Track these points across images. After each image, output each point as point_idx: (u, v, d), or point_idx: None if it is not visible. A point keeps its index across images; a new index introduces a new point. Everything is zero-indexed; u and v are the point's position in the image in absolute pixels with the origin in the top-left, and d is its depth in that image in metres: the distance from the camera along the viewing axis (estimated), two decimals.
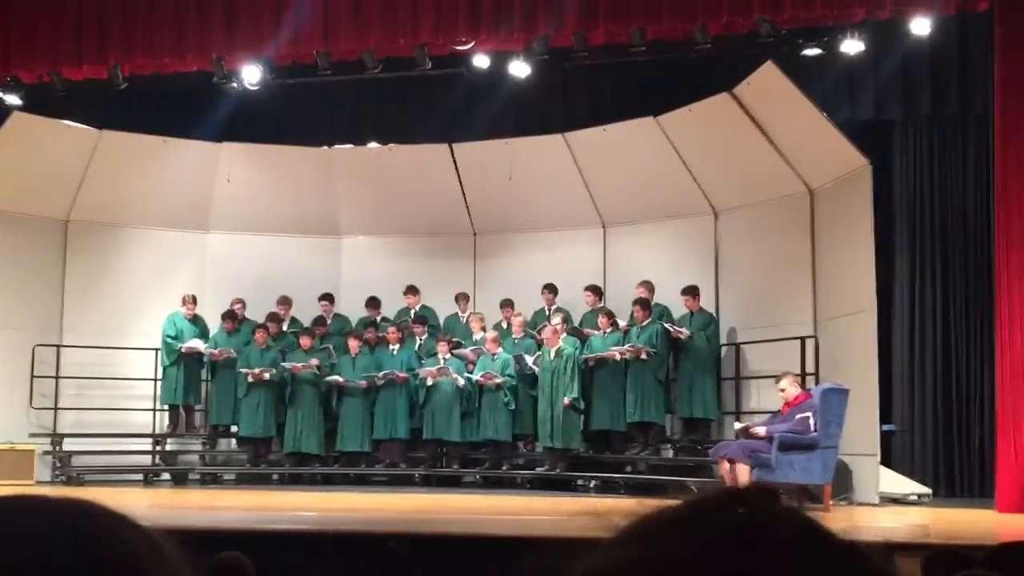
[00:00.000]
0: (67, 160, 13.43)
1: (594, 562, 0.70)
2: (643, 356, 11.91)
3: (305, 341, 13.36)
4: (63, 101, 12.61)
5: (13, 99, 12.49)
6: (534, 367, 12.52)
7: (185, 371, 13.53)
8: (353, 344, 13.31)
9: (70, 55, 11.60)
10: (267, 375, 13.09)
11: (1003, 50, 9.84)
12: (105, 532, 0.74)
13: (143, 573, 0.73)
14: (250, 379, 13.14)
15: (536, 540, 6.78)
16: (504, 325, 13.30)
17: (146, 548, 0.75)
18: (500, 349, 12.80)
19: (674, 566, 0.67)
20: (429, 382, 12.83)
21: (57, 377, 13.45)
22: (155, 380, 13.70)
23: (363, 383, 13.05)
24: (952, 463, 11.99)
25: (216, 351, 13.40)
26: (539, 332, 12.63)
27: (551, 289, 13.24)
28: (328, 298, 14.06)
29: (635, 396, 12.02)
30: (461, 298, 13.81)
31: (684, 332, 11.97)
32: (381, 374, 13.01)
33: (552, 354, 12.24)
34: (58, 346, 13.51)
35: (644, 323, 12.14)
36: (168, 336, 13.53)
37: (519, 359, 12.61)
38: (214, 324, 13.79)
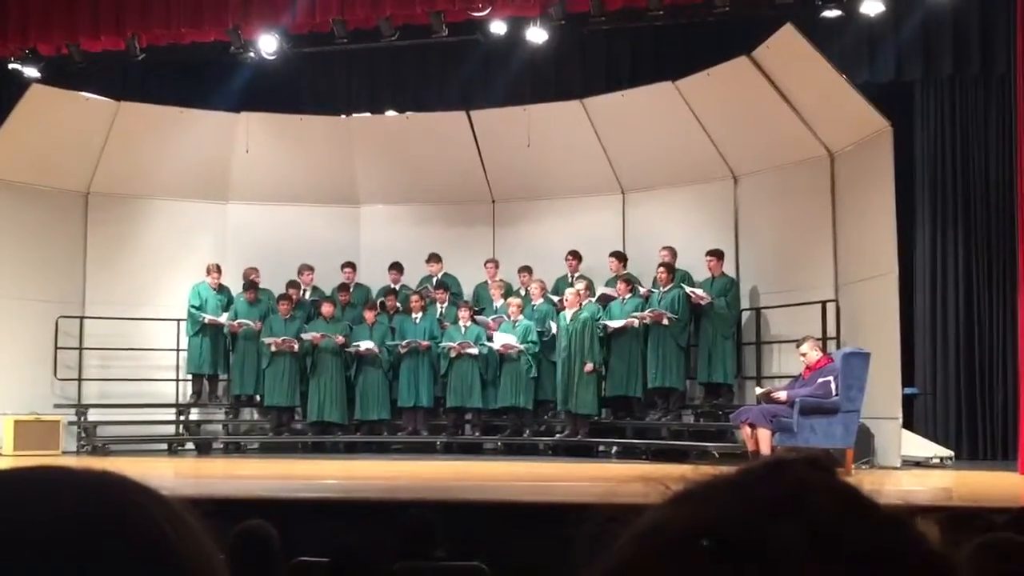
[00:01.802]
0: (86, 132, 13.47)
1: (639, 525, 0.72)
2: (664, 322, 11.90)
3: (327, 308, 13.41)
4: (81, 73, 12.63)
5: (32, 71, 12.51)
6: (555, 333, 12.54)
7: (211, 341, 13.61)
8: (369, 315, 13.36)
9: (87, 26, 11.61)
10: (295, 347, 13.15)
11: None
12: (127, 503, 0.75)
13: (167, 544, 0.73)
14: (273, 348, 13.21)
15: (558, 506, 6.81)
16: (523, 292, 13.31)
17: (169, 519, 0.75)
18: (522, 316, 12.82)
19: (716, 529, 0.69)
20: (452, 354, 12.88)
21: (81, 348, 13.54)
22: (177, 350, 13.78)
23: (376, 348, 13.04)
24: (975, 426, 11.96)
25: (235, 323, 13.46)
26: (562, 297, 12.65)
27: (575, 256, 13.23)
28: (350, 265, 14.10)
29: (656, 361, 12.02)
30: (491, 264, 13.79)
31: (705, 297, 11.94)
32: (404, 342, 13.06)
33: (570, 317, 12.26)
34: (81, 317, 13.60)
35: (667, 288, 12.12)
36: (192, 306, 13.61)
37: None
38: (235, 294, 13.86)
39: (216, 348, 13.67)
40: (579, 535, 0.75)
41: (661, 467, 10.51)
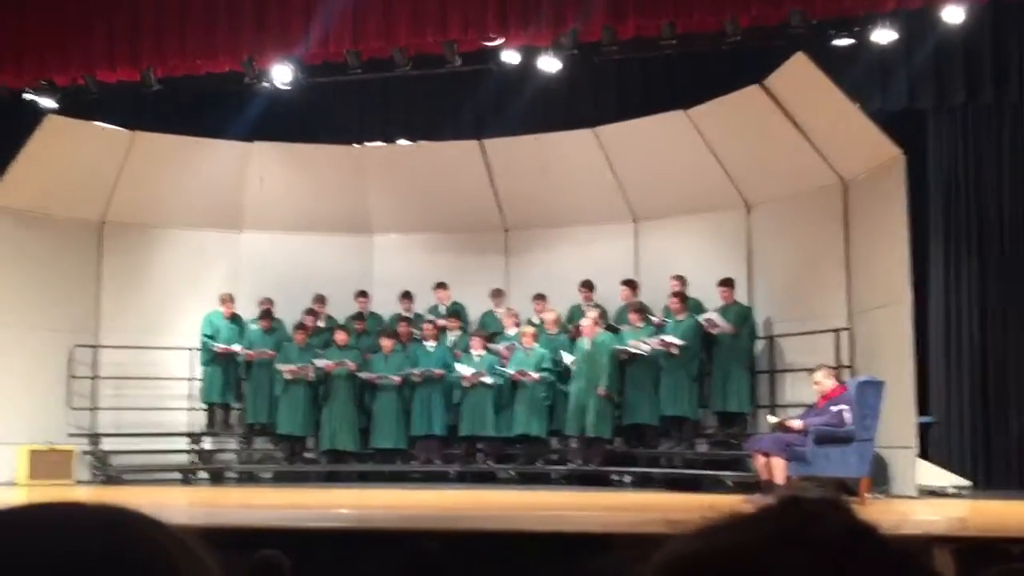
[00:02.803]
0: (101, 162, 13.55)
1: (658, 555, 0.74)
2: (673, 351, 11.88)
3: (341, 336, 13.44)
4: (96, 103, 12.71)
5: (47, 102, 12.60)
6: (571, 365, 12.53)
7: (223, 370, 13.63)
8: (387, 344, 13.37)
9: (103, 58, 11.70)
10: (311, 375, 13.17)
11: None
12: (139, 538, 0.75)
13: None
14: (288, 376, 13.23)
15: (573, 536, 6.78)
16: (536, 320, 13.32)
17: (182, 555, 0.75)
18: (536, 344, 12.82)
19: (728, 557, 0.71)
20: (465, 384, 12.88)
21: (95, 378, 13.57)
22: (191, 379, 13.81)
23: (398, 379, 13.10)
24: (990, 455, 11.88)
25: (252, 351, 13.48)
26: (576, 326, 12.65)
27: (588, 286, 13.25)
28: (364, 294, 14.15)
29: (668, 390, 12.00)
30: (496, 294, 13.86)
31: (728, 327, 11.90)
32: (418, 371, 13.06)
33: (588, 344, 12.26)
34: (95, 347, 13.63)
35: (681, 317, 12.11)
36: (205, 335, 13.65)
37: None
38: (247, 322, 13.89)
39: (229, 377, 13.70)
40: (601, 567, 0.77)
41: (683, 498, 10.45)
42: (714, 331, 11.95)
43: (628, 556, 0.75)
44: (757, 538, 0.72)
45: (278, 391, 13.37)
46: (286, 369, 13.23)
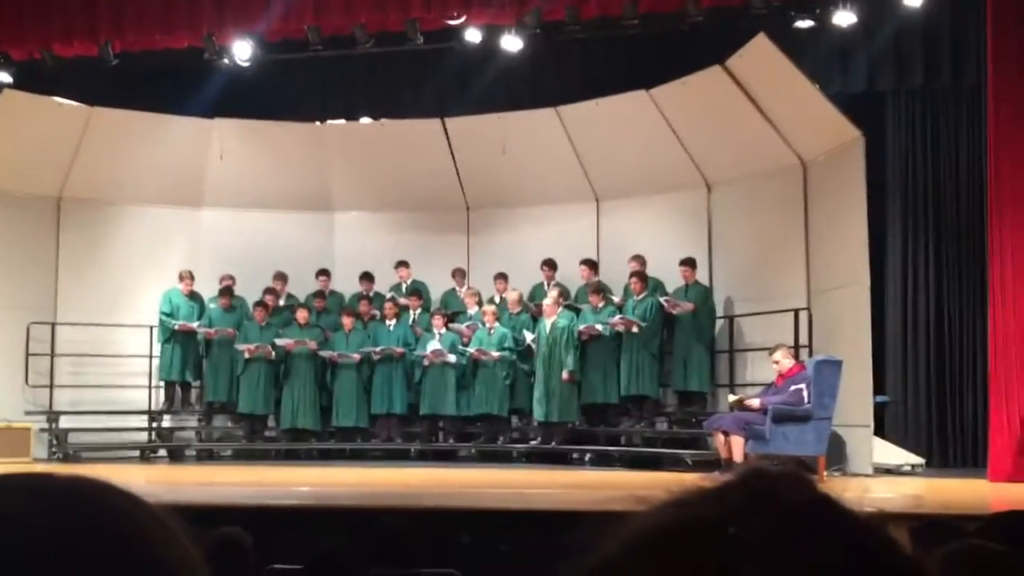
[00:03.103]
0: (59, 137, 13.38)
1: (623, 528, 0.75)
2: (634, 330, 11.94)
3: (302, 315, 13.40)
4: (54, 78, 12.55)
5: (4, 76, 12.43)
6: (532, 344, 12.57)
7: (182, 348, 13.54)
8: (347, 321, 13.35)
9: (60, 32, 11.55)
10: (272, 354, 13.12)
11: (996, 21, 9.83)
12: (111, 509, 0.75)
13: (149, 550, 0.74)
14: (247, 355, 13.17)
15: (534, 513, 6.82)
16: (497, 299, 13.33)
17: (153, 524, 0.75)
18: (497, 323, 12.83)
19: (694, 526, 0.72)
20: (426, 363, 12.89)
21: (52, 355, 13.45)
22: (151, 357, 13.72)
23: (357, 357, 13.09)
24: (945, 433, 12.05)
25: (211, 330, 13.41)
26: (538, 304, 12.68)
27: (550, 264, 13.26)
28: (325, 273, 14.10)
29: (629, 369, 12.06)
30: (457, 273, 13.87)
31: (689, 306, 11.98)
32: (378, 349, 13.04)
33: (548, 327, 12.29)
34: (53, 324, 13.50)
35: (640, 296, 12.16)
36: (163, 313, 13.55)
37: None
38: (207, 300, 13.80)
39: (188, 355, 13.61)
40: (567, 543, 0.78)
41: (643, 476, 10.53)
42: (675, 311, 12.02)
43: (595, 533, 0.75)
44: (723, 508, 0.73)
45: (238, 370, 13.31)
46: (245, 348, 13.17)
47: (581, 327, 12.23)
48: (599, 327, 12.13)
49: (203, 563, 0.79)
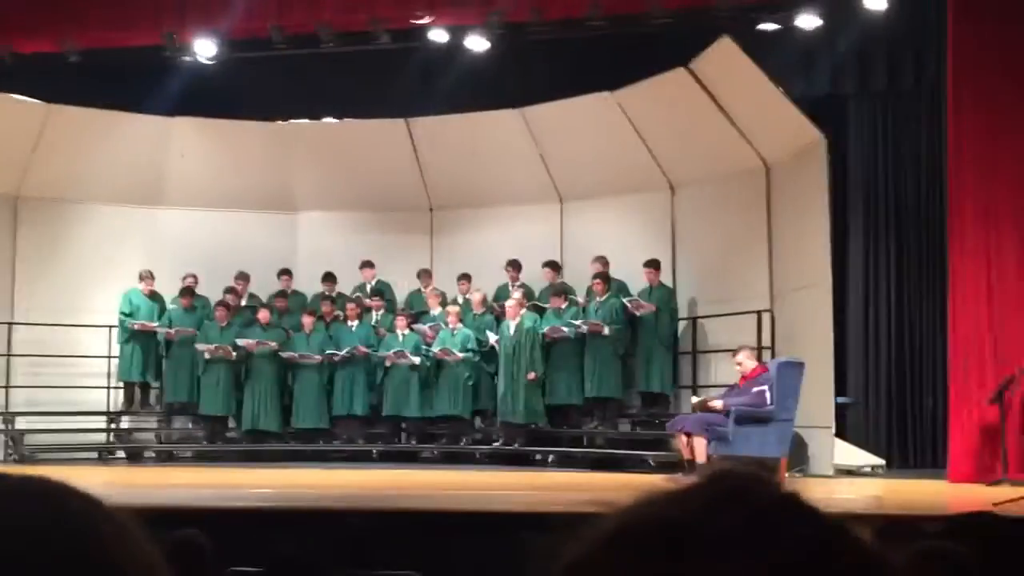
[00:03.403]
0: (16, 135, 13.23)
1: (590, 528, 0.75)
2: (605, 332, 11.96)
3: (263, 315, 13.31)
4: (13, 74, 12.40)
5: None
6: (495, 344, 12.56)
7: (142, 348, 13.42)
8: (307, 321, 13.28)
9: (20, 28, 11.41)
10: (233, 355, 13.03)
11: (956, 24, 9.92)
12: (67, 509, 0.74)
13: (105, 549, 0.72)
14: (207, 356, 13.06)
15: (497, 515, 6.80)
16: (460, 300, 13.30)
17: (108, 525, 0.74)
18: (461, 324, 12.81)
19: (662, 525, 0.73)
20: (388, 363, 12.85)
21: (9, 355, 13.29)
22: (109, 357, 13.58)
23: (318, 358, 13.02)
24: (905, 434, 12.15)
25: (171, 331, 13.29)
26: (502, 305, 12.67)
27: (515, 265, 13.25)
28: (287, 273, 14.02)
29: (593, 371, 12.07)
30: (423, 274, 13.81)
31: (651, 307, 12.01)
32: (345, 351, 12.96)
33: (512, 328, 12.28)
34: (9, 323, 13.34)
35: (603, 298, 12.18)
36: (123, 313, 13.42)
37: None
38: (168, 300, 13.68)
39: (148, 355, 13.49)
40: (533, 546, 0.77)
41: (607, 478, 10.54)
42: (639, 312, 12.05)
43: (562, 535, 0.75)
44: (690, 507, 0.73)
45: (199, 371, 13.21)
46: (205, 349, 13.06)
47: (546, 329, 12.23)
48: (565, 329, 12.13)
49: (162, 563, 0.78)
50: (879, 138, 12.51)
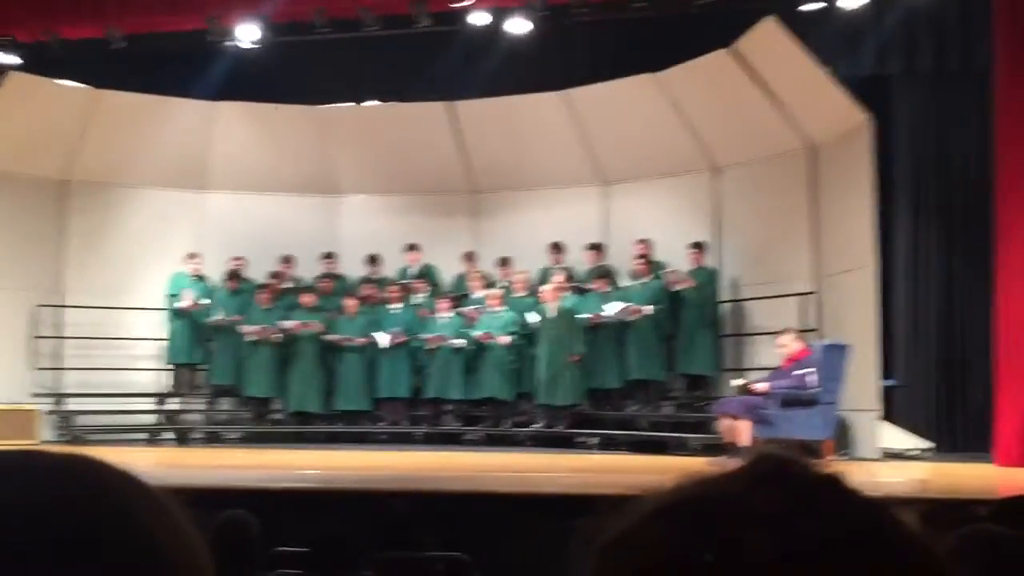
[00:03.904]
0: (65, 120, 13.38)
1: (639, 505, 0.77)
2: (647, 310, 11.95)
3: (307, 299, 13.40)
4: (60, 61, 12.53)
5: (11, 59, 12.42)
6: (536, 326, 12.57)
7: (190, 330, 13.54)
8: (351, 304, 13.35)
9: (66, 14, 11.53)
10: (274, 336, 13.13)
11: (1004, 4, 9.77)
12: (104, 487, 0.74)
13: (145, 528, 0.73)
14: (251, 338, 13.17)
15: (540, 497, 6.83)
16: (500, 284, 13.31)
17: (148, 504, 0.75)
18: (503, 307, 12.82)
19: (703, 501, 0.75)
20: (430, 346, 12.89)
21: (59, 337, 13.47)
22: (157, 340, 13.73)
23: (362, 341, 13.08)
24: (953, 418, 12.02)
25: (219, 318, 13.36)
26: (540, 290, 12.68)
27: (557, 248, 13.25)
28: (330, 256, 14.09)
29: (637, 353, 12.05)
30: (467, 257, 13.81)
31: (690, 282, 11.98)
32: (388, 338, 12.97)
33: (550, 311, 12.28)
34: (60, 306, 13.52)
35: (648, 279, 12.15)
36: (170, 295, 13.55)
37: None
38: (215, 282, 13.82)
39: (196, 337, 13.62)
40: (582, 525, 0.79)
41: (649, 460, 10.53)
42: (677, 287, 12.01)
43: (608, 515, 0.77)
44: (734, 486, 0.75)
45: (245, 353, 13.33)
46: (249, 331, 13.17)
47: (589, 315, 12.21)
48: (611, 311, 12.09)
49: (203, 544, 0.78)
50: (925, 118, 12.35)
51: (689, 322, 12.11)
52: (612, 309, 12.14)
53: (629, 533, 0.75)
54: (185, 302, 13.43)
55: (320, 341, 13.24)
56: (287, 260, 13.95)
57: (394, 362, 13.14)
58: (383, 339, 13.00)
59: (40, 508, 0.71)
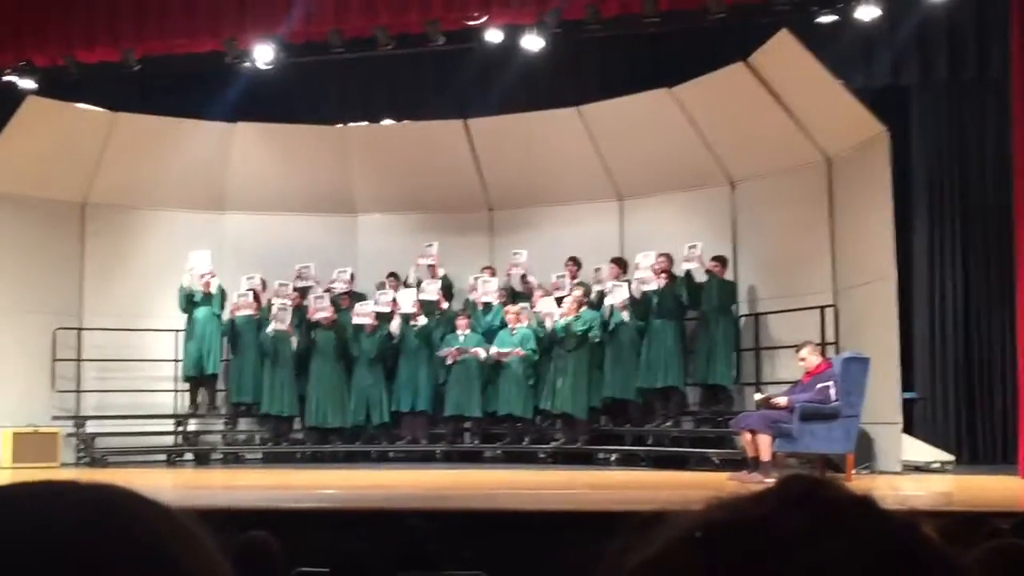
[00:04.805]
0: (83, 143, 13.45)
1: (666, 529, 0.77)
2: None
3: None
4: (77, 84, 12.62)
5: (27, 83, 12.50)
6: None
7: (201, 342, 13.50)
8: (370, 321, 13.39)
9: (83, 37, 11.62)
10: (291, 329, 13.24)
11: (1020, 12, 9.74)
12: (132, 516, 0.74)
13: (172, 556, 0.73)
14: (271, 332, 13.21)
15: (561, 514, 6.80)
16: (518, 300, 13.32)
17: (174, 532, 0.75)
18: (520, 324, 12.83)
19: (734, 527, 0.74)
20: (449, 361, 12.90)
21: (79, 360, 13.52)
22: (175, 361, 13.76)
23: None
24: (974, 430, 11.95)
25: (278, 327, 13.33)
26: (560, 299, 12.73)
27: (575, 262, 13.26)
28: (350, 275, 14.13)
29: (657, 361, 12.04)
30: (486, 270, 13.80)
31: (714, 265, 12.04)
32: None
33: (564, 324, 12.32)
34: (79, 329, 13.57)
35: (662, 286, 12.21)
36: (184, 303, 13.51)
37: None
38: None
39: (208, 348, 13.55)
40: (607, 545, 0.78)
41: (670, 476, 10.48)
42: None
43: (633, 534, 0.76)
44: (764, 508, 0.74)
45: (263, 369, 13.36)
46: (272, 328, 13.16)
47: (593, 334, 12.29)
48: (618, 297, 12.11)
49: (228, 570, 0.78)
50: (943, 129, 12.31)
51: (709, 334, 12.07)
52: (618, 297, 12.14)
53: (659, 559, 0.74)
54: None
55: (339, 356, 13.26)
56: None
57: (413, 375, 13.18)
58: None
59: (68, 538, 0.71)
